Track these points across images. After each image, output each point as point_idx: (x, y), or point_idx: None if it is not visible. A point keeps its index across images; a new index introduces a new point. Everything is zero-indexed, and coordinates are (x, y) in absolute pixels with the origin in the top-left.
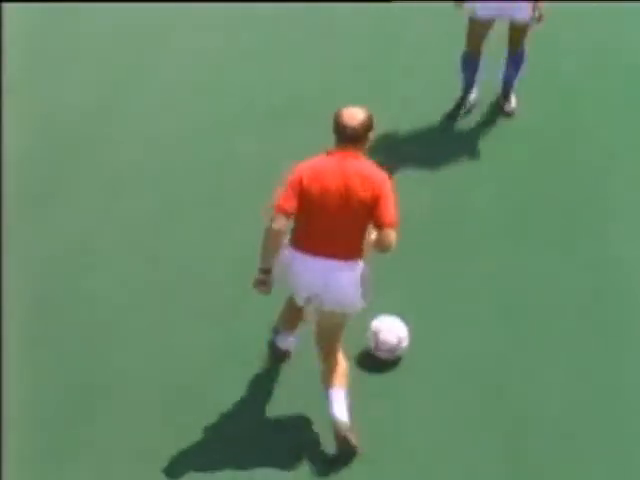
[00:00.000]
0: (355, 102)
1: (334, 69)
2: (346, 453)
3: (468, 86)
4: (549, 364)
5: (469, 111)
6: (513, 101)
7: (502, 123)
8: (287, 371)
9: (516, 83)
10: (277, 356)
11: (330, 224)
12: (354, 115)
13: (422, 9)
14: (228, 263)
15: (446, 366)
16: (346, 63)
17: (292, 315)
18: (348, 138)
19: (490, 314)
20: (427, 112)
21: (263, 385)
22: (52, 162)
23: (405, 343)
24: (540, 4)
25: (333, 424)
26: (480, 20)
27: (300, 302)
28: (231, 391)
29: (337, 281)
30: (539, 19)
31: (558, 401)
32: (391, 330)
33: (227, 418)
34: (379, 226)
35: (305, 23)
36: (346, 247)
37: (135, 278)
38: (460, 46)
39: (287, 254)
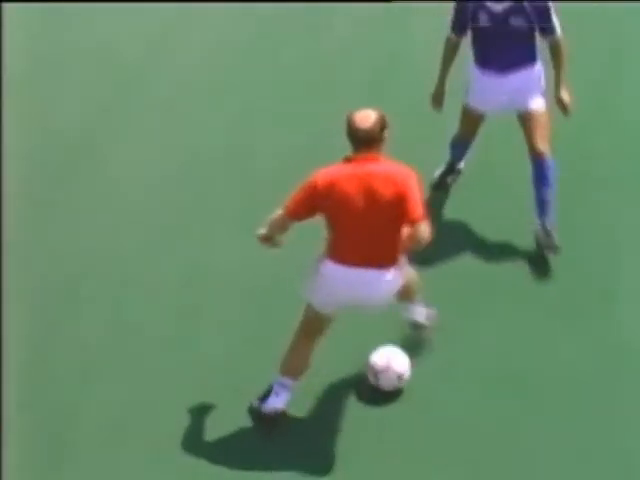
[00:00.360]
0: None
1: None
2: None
3: (456, 160)
4: (546, 437)
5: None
6: (554, 235)
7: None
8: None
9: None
10: (268, 421)
11: (360, 231)
12: (366, 117)
13: (422, 9)
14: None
15: (440, 421)
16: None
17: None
18: (363, 141)
19: (488, 374)
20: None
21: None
22: (52, 162)
23: (406, 376)
24: (564, 94)
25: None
26: (475, 111)
27: (327, 310)
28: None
29: (371, 292)
30: (565, 111)
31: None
32: (390, 368)
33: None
34: (412, 221)
35: (305, 23)
36: (380, 254)
37: (137, 280)
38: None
39: (326, 266)
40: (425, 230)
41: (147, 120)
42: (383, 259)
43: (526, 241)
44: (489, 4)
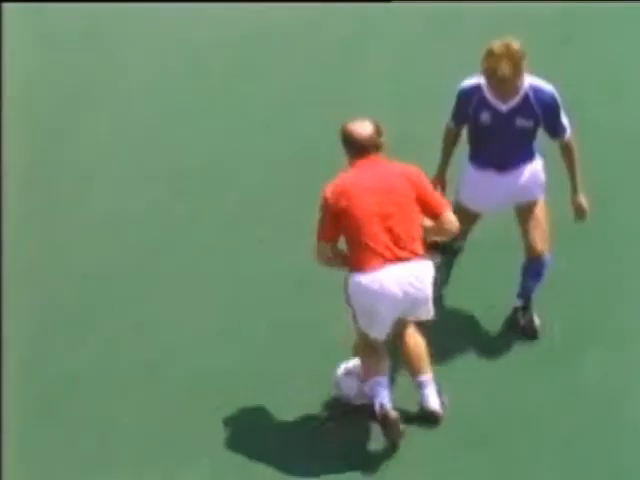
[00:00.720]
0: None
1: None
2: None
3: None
4: None
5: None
6: (536, 319)
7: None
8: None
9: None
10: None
11: (385, 228)
12: (364, 126)
13: (422, 9)
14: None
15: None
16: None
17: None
18: (365, 149)
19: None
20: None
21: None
22: (52, 161)
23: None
24: (582, 200)
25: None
26: (469, 209)
27: (382, 333)
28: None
29: (417, 282)
30: (581, 214)
31: None
32: (347, 374)
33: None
34: (436, 214)
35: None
36: (411, 246)
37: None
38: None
39: (358, 282)
40: (454, 218)
41: (148, 118)
42: (411, 251)
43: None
44: (494, 102)
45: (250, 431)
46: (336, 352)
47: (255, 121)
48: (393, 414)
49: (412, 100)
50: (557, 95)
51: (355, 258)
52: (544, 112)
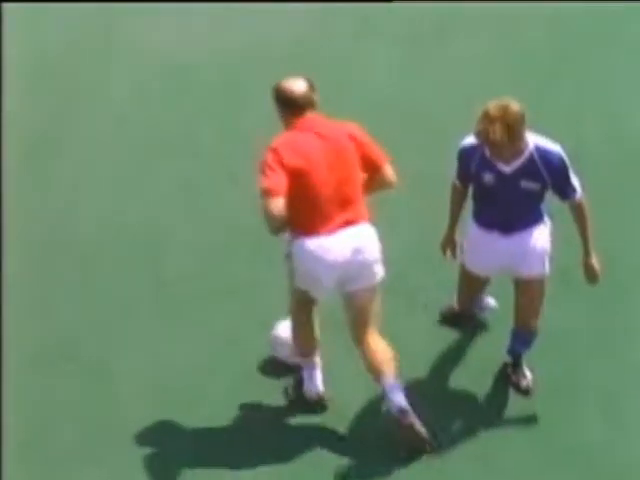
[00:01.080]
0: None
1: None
2: (416, 448)
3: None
4: None
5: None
6: (528, 374)
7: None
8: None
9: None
10: (317, 402)
11: (334, 190)
12: (298, 83)
13: (422, 9)
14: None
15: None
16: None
17: (306, 329)
18: (304, 106)
19: None
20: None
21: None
22: (52, 161)
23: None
24: (594, 262)
25: (396, 416)
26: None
27: (323, 295)
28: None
29: (365, 247)
30: (592, 278)
31: None
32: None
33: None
34: (377, 167)
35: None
36: (358, 207)
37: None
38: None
39: (304, 246)
40: (392, 172)
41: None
42: (359, 213)
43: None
44: (497, 164)
45: (220, 430)
46: None
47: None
48: (321, 395)
49: (412, 100)
50: (564, 155)
51: (304, 221)
52: (551, 175)
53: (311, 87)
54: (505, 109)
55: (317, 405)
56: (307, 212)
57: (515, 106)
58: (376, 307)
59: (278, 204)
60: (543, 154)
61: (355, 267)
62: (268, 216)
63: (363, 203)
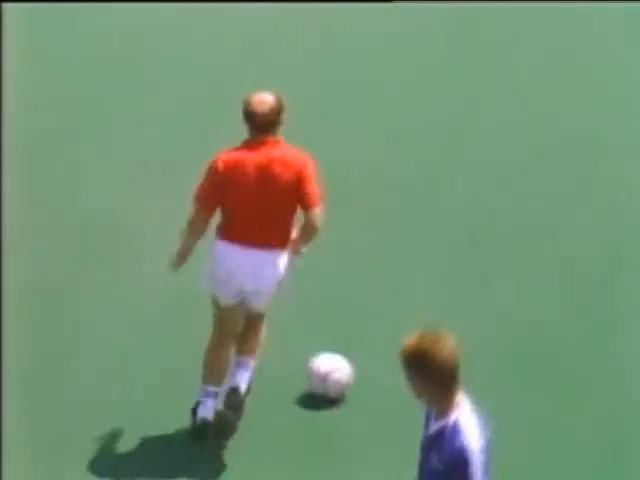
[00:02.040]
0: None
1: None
2: (218, 429)
3: None
4: None
5: None
6: None
7: None
8: None
9: None
10: (199, 428)
11: (254, 214)
12: (264, 101)
13: (422, 9)
14: None
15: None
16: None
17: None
18: (261, 126)
19: None
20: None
21: None
22: (52, 161)
23: (351, 381)
24: None
25: (228, 392)
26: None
27: (224, 301)
28: None
29: (263, 272)
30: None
31: None
32: (338, 369)
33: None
34: (306, 207)
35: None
36: (270, 236)
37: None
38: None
39: (218, 247)
40: (319, 216)
41: (147, 119)
42: (272, 241)
43: None
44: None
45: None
46: None
47: None
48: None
49: (412, 98)
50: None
51: (224, 228)
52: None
53: (277, 106)
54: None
55: (201, 431)
56: (228, 222)
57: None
58: (262, 319)
59: (197, 215)
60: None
61: (250, 286)
62: (192, 219)
63: (283, 236)
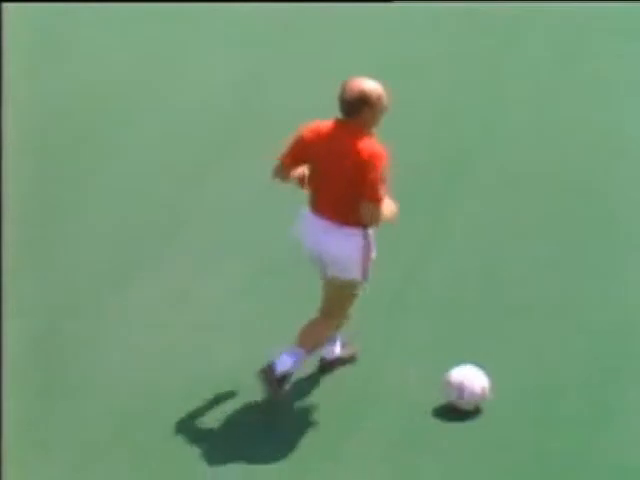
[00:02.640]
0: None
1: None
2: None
3: None
4: None
5: None
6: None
7: None
8: None
9: None
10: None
11: (325, 187)
12: (353, 88)
13: (422, 9)
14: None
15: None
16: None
17: None
18: (343, 110)
19: None
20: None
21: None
22: (52, 161)
23: (488, 394)
24: None
25: (267, 365)
26: None
27: (310, 260)
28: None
29: (328, 244)
30: None
31: None
32: (475, 381)
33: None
34: (360, 198)
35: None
36: (337, 212)
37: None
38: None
39: (303, 212)
40: (371, 210)
41: (149, 122)
42: (342, 218)
43: None
44: None
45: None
46: None
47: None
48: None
49: (412, 99)
50: None
51: (310, 195)
52: None
53: (361, 98)
54: None
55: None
56: (311, 190)
57: None
58: (336, 303)
59: (276, 165)
60: None
61: (319, 254)
62: (273, 169)
63: (347, 213)
